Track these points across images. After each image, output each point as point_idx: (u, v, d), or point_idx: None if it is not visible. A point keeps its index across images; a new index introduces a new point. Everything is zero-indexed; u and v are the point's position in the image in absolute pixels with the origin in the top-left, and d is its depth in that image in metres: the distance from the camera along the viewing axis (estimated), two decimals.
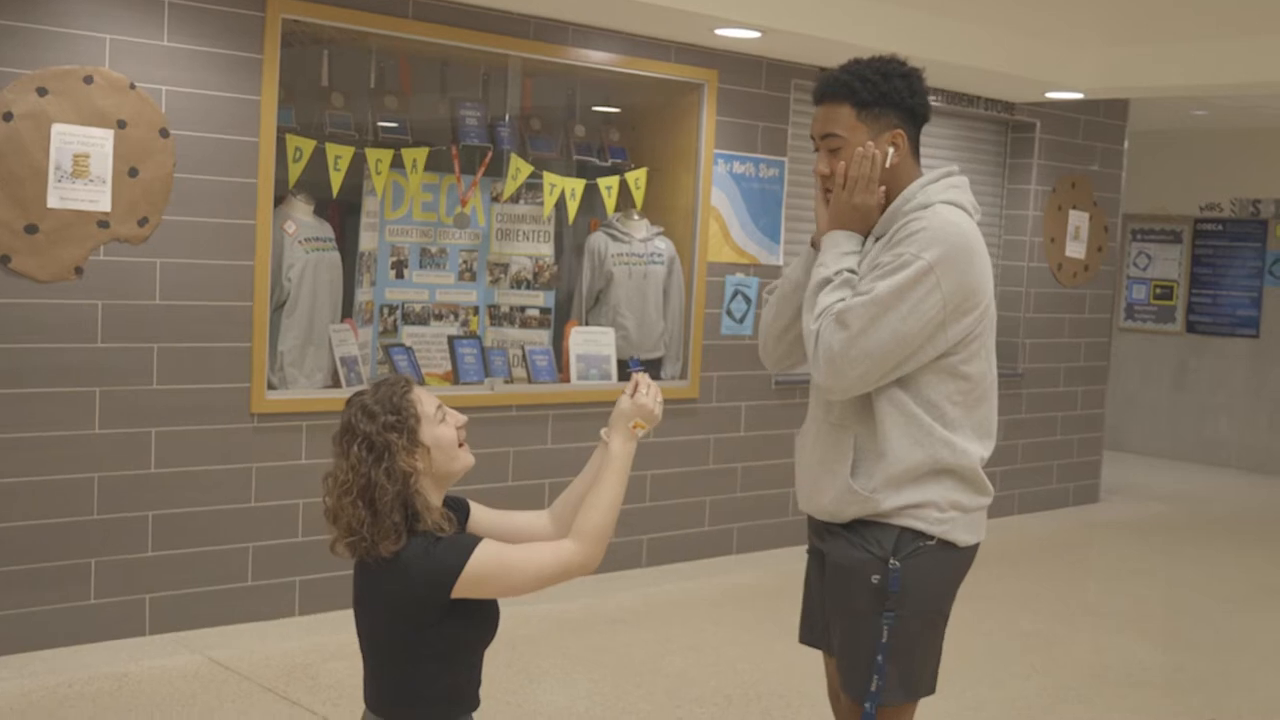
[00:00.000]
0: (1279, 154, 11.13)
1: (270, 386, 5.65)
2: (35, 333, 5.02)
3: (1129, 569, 7.74)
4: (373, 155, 6.10)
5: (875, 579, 2.92)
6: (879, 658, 2.90)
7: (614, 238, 6.93)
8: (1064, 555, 8.03)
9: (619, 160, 7.07)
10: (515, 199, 6.72)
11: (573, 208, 6.76)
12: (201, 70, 5.31)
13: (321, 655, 5.27)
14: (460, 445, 2.72)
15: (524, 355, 6.66)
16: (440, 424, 2.70)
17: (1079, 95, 8.09)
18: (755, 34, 6.47)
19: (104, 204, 5.08)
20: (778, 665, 5.45)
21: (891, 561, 2.91)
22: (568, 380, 6.69)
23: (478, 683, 2.79)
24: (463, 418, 2.77)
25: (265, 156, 5.50)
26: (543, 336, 6.85)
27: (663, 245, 7.03)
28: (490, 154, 6.54)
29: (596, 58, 6.56)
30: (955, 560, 3.01)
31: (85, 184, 5.02)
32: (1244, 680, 5.70)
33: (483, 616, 2.72)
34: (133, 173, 5.13)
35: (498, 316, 6.82)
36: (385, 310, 6.48)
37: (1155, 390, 11.70)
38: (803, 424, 3.26)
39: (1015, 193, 8.89)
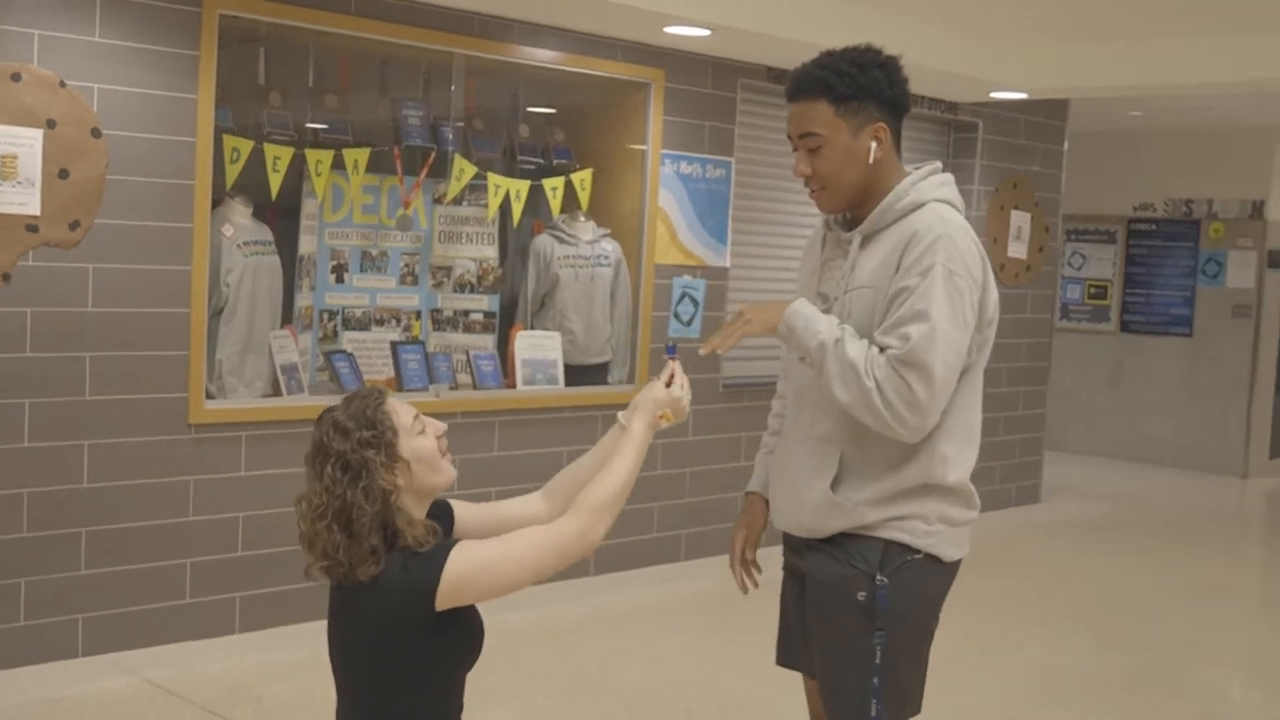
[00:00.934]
0: (1212, 155, 11.21)
1: (208, 396, 5.44)
2: None
3: (1076, 569, 7.73)
4: (313, 156, 5.91)
5: (862, 595, 2.81)
6: (874, 680, 2.78)
7: (560, 240, 6.78)
8: (1010, 557, 8.00)
9: (563, 161, 6.92)
10: (458, 201, 6.56)
11: (517, 209, 6.61)
12: (135, 67, 5.10)
13: (264, 675, 5.08)
14: (443, 455, 2.57)
15: (469, 360, 6.49)
16: (419, 435, 2.54)
17: (1023, 95, 8.07)
18: (705, 32, 6.36)
19: (33, 207, 4.85)
20: (735, 675, 5.34)
21: (879, 577, 2.80)
22: (514, 386, 6.53)
23: (459, 708, 2.64)
24: (442, 426, 2.62)
25: (202, 157, 5.30)
26: (487, 341, 6.69)
27: (609, 247, 6.90)
28: (434, 155, 6.37)
29: (542, 56, 6.41)
30: (941, 575, 2.91)
31: (13, 186, 4.79)
32: (1201, 680, 5.68)
33: (465, 635, 2.57)
34: (63, 174, 4.90)
35: (440, 321, 6.65)
36: (325, 315, 6.29)
37: (1091, 389, 11.74)
38: (769, 437, 3.16)
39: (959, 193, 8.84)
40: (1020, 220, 9.06)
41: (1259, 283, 11.09)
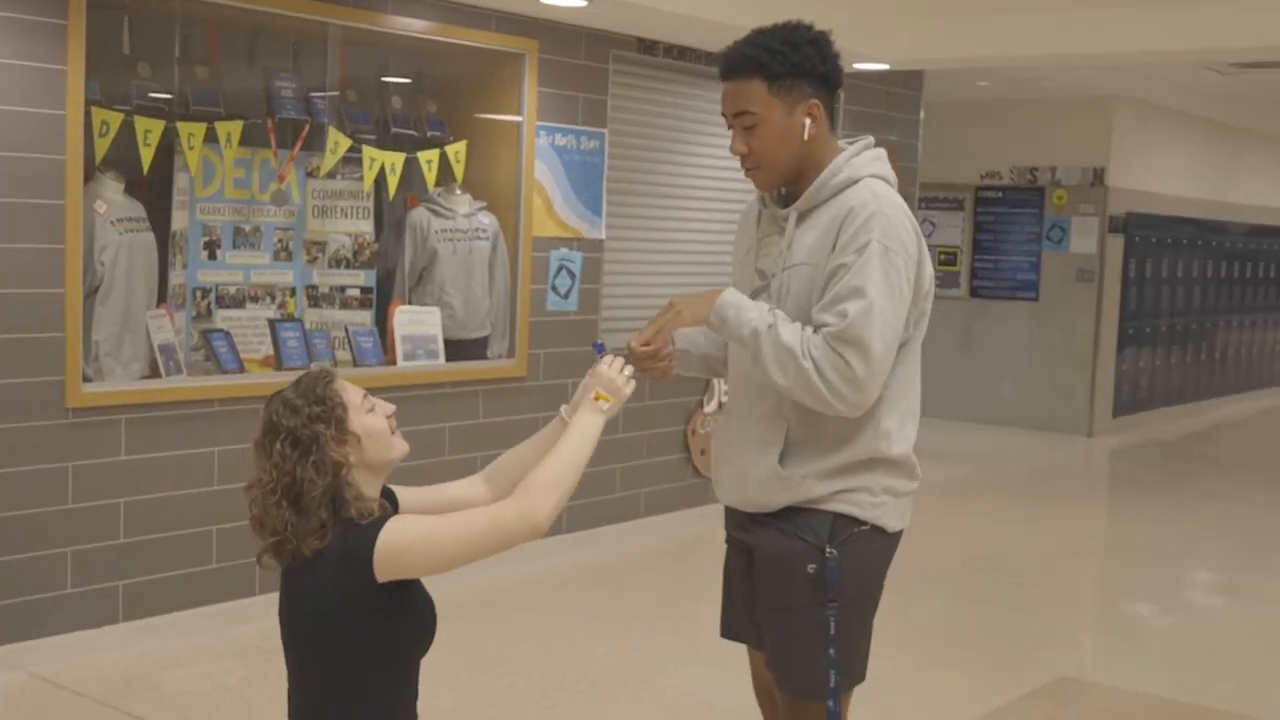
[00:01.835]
0: (1055, 124, 11.58)
1: (86, 379, 5.25)
2: None
3: (947, 532, 7.92)
4: (185, 129, 5.72)
5: (812, 568, 2.84)
6: (830, 651, 2.82)
7: (436, 213, 6.69)
8: None
9: (437, 133, 6.82)
10: (332, 174, 6.42)
11: (393, 182, 6.50)
12: None
13: (157, 664, 4.94)
14: (392, 433, 2.55)
15: (348, 337, 6.37)
16: (368, 413, 2.53)
17: (885, 66, 8.21)
18: (582, 3, 6.32)
19: None
20: (633, 647, 5.36)
21: (828, 550, 2.84)
22: (394, 362, 6.44)
23: (414, 696, 2.60)
24: (391, 407, 2.61)
25: (73, 131, 5.09)
26: (365, 317, 6.57)
27: (486, 220, 6.84)
28: (308, 127, 6.22)
29: (415, 26, 6.30)
30: (886, 545, 2.96)
31: None
32: (1084, 636, 5.89)
33: (416, 618, 2.55)
34: None
35: (316, 297, 6.50)
36: (198, 293, 6.10)
37: (943, 354, 12.02)
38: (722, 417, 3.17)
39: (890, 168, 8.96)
40: None
41: (1101, 247, 11.50)
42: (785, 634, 2.90)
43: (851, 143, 2.98)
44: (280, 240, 6.36)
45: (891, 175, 2.97)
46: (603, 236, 7.27)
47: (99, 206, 5.38)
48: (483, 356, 6.88)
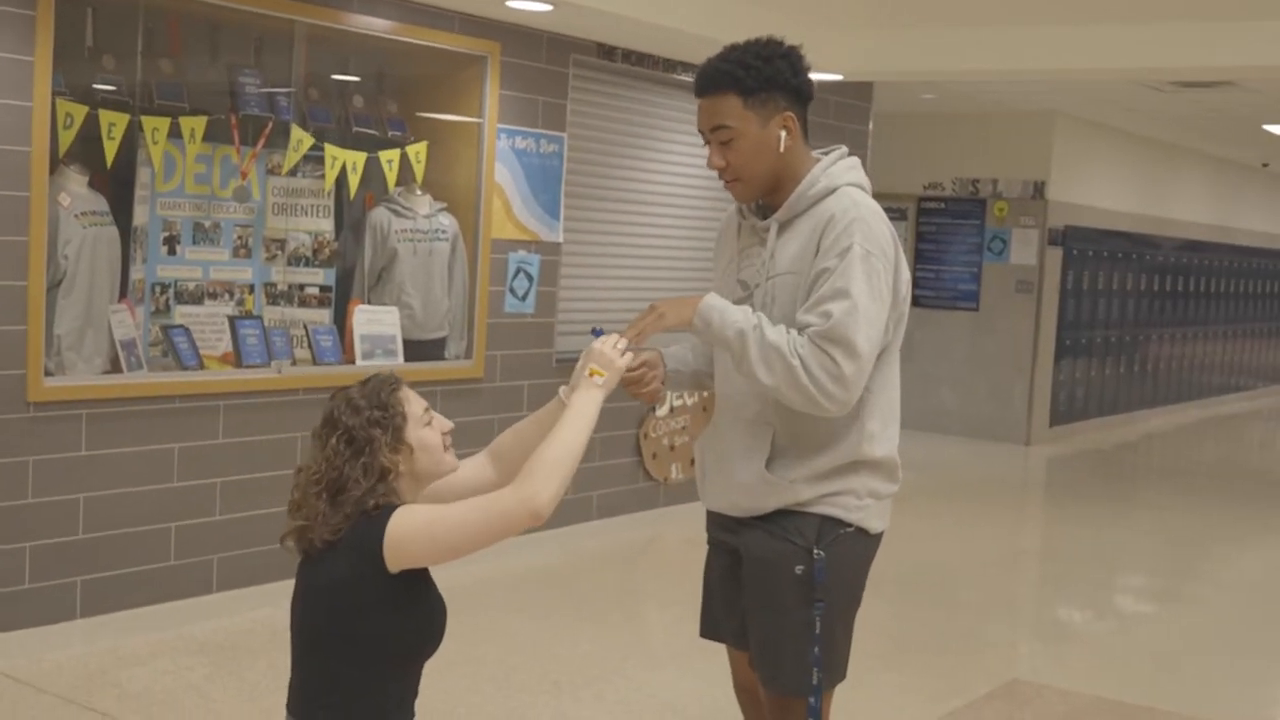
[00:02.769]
0: (998, 137, 11.77)
1: (47, 373, 5.21)
2: None
3: (888, 537, 8.01)
4: (149, 123, 5.70)
5: (799, 569, 2.91)
6: (815, 650, 2.89)
7: (397, 213, 6.70)
8: None
9: (398, 133, 6.83)
10: (294, 172, 6.41)
11: (354, 181, 6.50)
12: None
13: (118, 660, 4.91)
14: (445, 450, 2.60)
15: (307, 335, 6.37)
16: (426, 427, 2.59)
17: (839, 77, 8.32)
18: (547, 7, 6.37)
19: None
20: (595, 647, 5.41)
21: (816, 551, 2.91)
22: (353, 361, 6.44)
23: (413, 694, 2.64)
24: (449, 424, 2.66)
25: (39, 123, 5.06)
26: (324, 316, 6.56)
27: (447, 221, 6.85)
28: (271, 124, 6.21)
29: (378, 25, 6.31)
30: (869, 546, 3.05)
31: None
32: (1028, 640, 6.02)
33: (426, 618, 2.59)
34: None
35: (275, 295, 6.49)
36: (157, 289, 6.07)
37: None
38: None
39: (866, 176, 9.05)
40: None
41: (1040, 259, 11.71)
42: (772, 633, 2.97)
43: (826, 153, 3.06)
44: (240, 237, 6.34)
45: (867, 183, 3.05)
46: (560, 240, 7.32)
47: (63, 199, 5.35)
48: (440, 357, 6.90)
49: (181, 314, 6.14)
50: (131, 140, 5.72)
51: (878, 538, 3.05)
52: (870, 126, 9.71)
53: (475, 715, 4.65)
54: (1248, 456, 13.33)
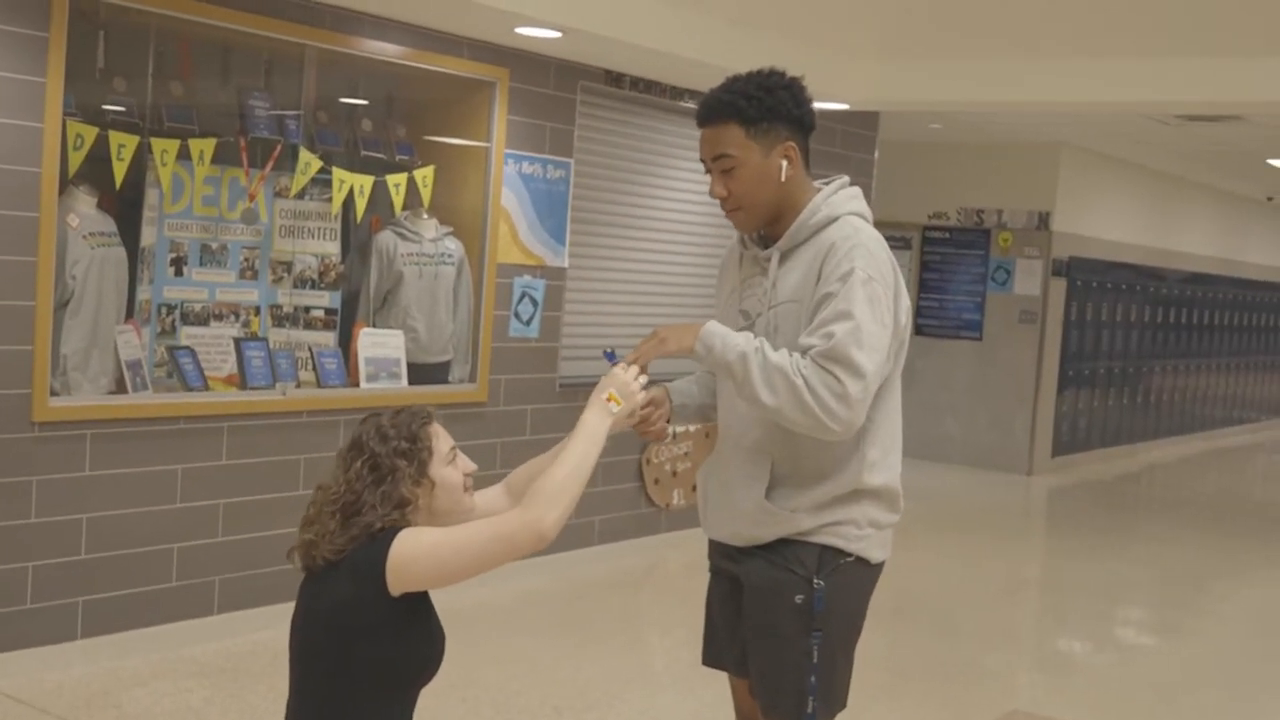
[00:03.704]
0: (1003, 168, 11.81)
1: (53, 393, 5.22)
2: None
3: (889, 567, 8.02)
4: (159, 145, 5.72)
5: (799, 599, 2.92)
6: (812, 679, 2.90)
7: (403, 237, 6.73)
8: None
9: (405, 157, 6.86)
10: (301, 195, 6.43)
11: (361, 205, 6.53)
12: None
13: (119, 681, 4.92)
14: (465, 491, 2.61)
15: (312, 358, 6.38)
16: (449, 465, 2.61)
17: (845, 106, 8.36)
18: (556, 34, 6.40)
19: None
20: (596, 672, 5.41)
21: (816, 581, 2.92)
22: (357, 384, 6.45)
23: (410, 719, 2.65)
24: (473, 466, 2.69)
25: (50, 144, 5.08)
26: (329, 338, 6.58)
27: (453, 245, 6.88)
28: (280, 147, 6.24)
29: (389, 50, 6.35)
30: (869, 576, 3.05)
31: None
32: (1028, 671, 6.01)
33: (425, 643, 2.60)
34: None
35: (280, 317, 6.51)
36: (163, 309, 6.09)
37: None
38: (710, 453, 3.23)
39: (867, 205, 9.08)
40: None
41: (1044, 290, 11.73)
42: (771, 662, 2.97)
43: (827, 183, 3.08)
44: (246, 259, 6.36)
45: (868, 212, 3.07)
46: (566, 265, 7.34)
47: (71, 220, 5.37)
48: (444, 381, 6.91)
49: (187, 335, 6.15)
50: (140, 162, 5.74)
51: (879, 567, 3.06)
52: (876, 155, 9.75)
53: None
54: (1250, 489, 13.33)
